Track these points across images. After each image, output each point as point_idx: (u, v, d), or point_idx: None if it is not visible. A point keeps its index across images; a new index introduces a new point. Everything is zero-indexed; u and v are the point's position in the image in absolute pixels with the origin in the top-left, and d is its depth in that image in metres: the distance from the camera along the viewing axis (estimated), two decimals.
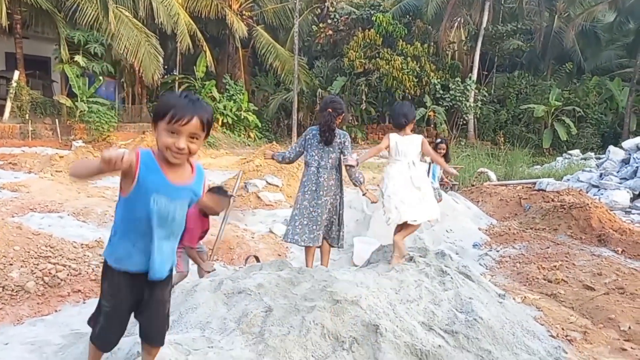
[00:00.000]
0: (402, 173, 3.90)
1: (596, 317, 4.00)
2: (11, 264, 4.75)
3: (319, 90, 25.43)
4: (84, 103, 18.02)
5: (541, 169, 16.21)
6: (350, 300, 2.93)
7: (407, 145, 3.99)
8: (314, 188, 4.08)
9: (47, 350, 3.75)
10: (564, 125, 22.14)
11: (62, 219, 7.56)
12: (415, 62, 23.18)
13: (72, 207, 8.20)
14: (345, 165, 4.19)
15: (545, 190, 8.22)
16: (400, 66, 22.77)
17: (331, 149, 4.16)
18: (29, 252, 4.98)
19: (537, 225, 6.92)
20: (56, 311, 4.60)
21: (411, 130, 4.13)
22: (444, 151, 6.92)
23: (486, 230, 7.01)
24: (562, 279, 4.98)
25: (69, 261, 5.20)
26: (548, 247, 5.92)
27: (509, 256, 5.86)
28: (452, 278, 3.37)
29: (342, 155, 4.20)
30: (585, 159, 17.55)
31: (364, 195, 4.33)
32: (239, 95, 23.92)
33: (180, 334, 2.60)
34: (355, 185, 4.27)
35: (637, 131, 22.26)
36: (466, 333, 2.82)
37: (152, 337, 2.11)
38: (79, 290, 4.92)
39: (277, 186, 9.66)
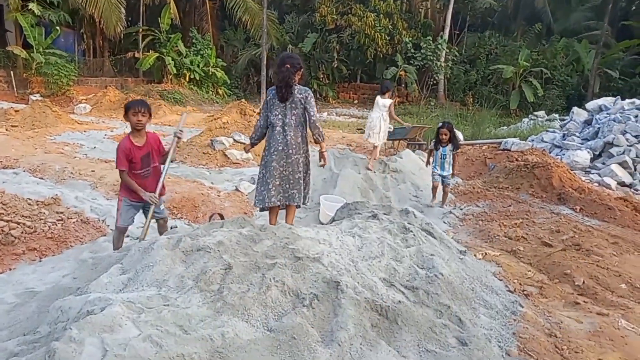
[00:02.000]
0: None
1: (552, 272, 4.12)
2: None
3: (290, 46, 24.79)
4: (40, 55, 17.03)
5: (507, 129, 16.45)
6: (311, 257, 2.90)
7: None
8: (280, 148, 3.97)
9: None
10: (531, 86, 22.40)
11: (17, 176, 7.23)
12: (387, 20, 22.77)
13: (29, 163, 7.85)
14: (310, 123, 4.08)
15: (510, 150, 8.33)
16: (373, 23, 22.34)
17: (294, 106, 4.03)
18: None
19: (501, 184, 7.03)
20: (10, 269, 4.43)
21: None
22: (447, 136, 6.15)
23: (452, 190, 7.08)
24: (522, 236, 5.10)
25: (24, 218, 4.99)
26: (510, 206, 6.04)
27: (472, 214, 5.96)
28: (414, 235, 3.37)
29: (306, 112, 4.08)
30: (550, 120, 17.90)
31: (321, 153, 4.24)
32: (206, 50, 23.08)
33: (135, 292, 2.52)
34: (317, 142, 4.17)
35: (600, 93, 22.74)
36: (426, 289, 2.84)
37: None
38: (34, 249, 4.74)
39: (244, 144, 9.46)
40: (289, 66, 3.98)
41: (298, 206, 4.23)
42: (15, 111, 12.01)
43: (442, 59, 22.46)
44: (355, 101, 25.78)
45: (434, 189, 6.42)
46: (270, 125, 4.10)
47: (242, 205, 6.66)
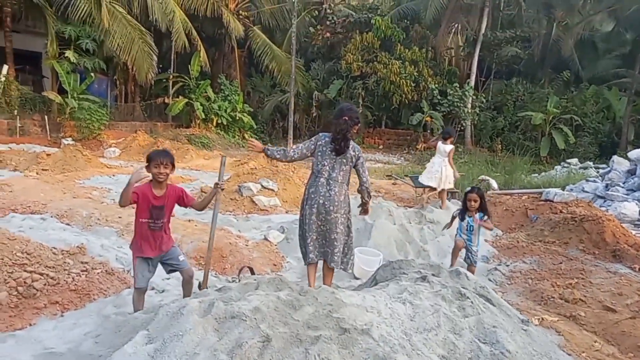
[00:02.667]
0: None
1: (623, 344, 3.66)
2: None
3: (315, 92, 25.11)
4: (74, 100, 17.52)
5: (540, 177, 15.94)
6: (360, 329, 2.56)
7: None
8: (322, 202, 3.64)
9: None
10: (561, 133, 21.95)
11: (45, 221, 7.12)
12: (413, 67, 22.92)
13: (56, 209, 7.76)
14: (363, 185, 3.89)
15: (552, 201, 7.89)
16: (398, 70, 22.49)
17: (344, 161, 3.76)
18: (2, 259, 4.55)
19: (547, 238, 6.58)
20: (30, 325, 4.18)
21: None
22: (477, 204, 5.07)
23: (493, 242, 6.67)
24: (579, 299, 4.64)
25: (47, 269, 4.77)
26: (561, 263, 5.58)
27: (520, 271, 5.51)
28: (472, 302, 3.00)
29: (357, 173, 3.86)
30: (584, 168, 17.32)
31: (365, 205, 3.97)
32: (234, 95, 23.51)
33: None
34: (364, 201, 3.89)
35: (635, 141, 22.16)
36: None
37: None
38: (57, 302, 4.49)
39: (272, 190, 9.27)
40: (347, 119, 3.75)
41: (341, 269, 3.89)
42: (47, 155, 12.17)
43: (469, 105, 22.31)
44: (381, 146, 25.67)
45: (457, 250, 5.25)
46: (313, 174, 3.83)
47: (271, 256, 6.36)
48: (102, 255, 5.71)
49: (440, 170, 8.00)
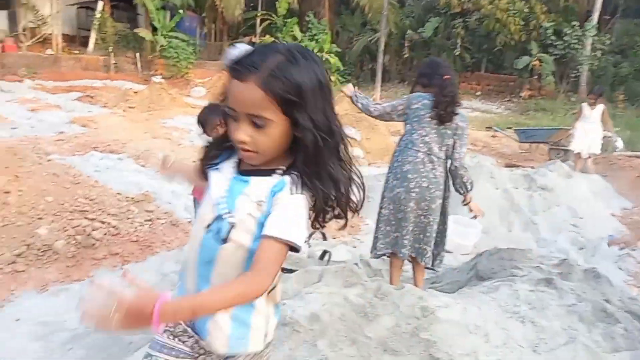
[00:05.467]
0: None
1: None
2: (40, 218, 4.09)
3: (409, 31, 23.21)
4: (164, 37, 17.54)
5: None
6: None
7: None
8: (425, 184, 2.63)
9: (55, 340, 3.04)
10: None
11: (121, 161, 7.00)
12: (523, 2, 20.14)
13: (135, 149, 7.62)
14: (455, 163, 2.83)
15: None
16: (506, 6, 19.88)
17: (449, 133, 2.75)
18: (62, 204, 4.31)
19: None
20: (88, 277, 3.92)
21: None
22: None
23: (621, 217, 5.42)
24: None
25: (109, 217, 4.50)
26: None
27: None
28: (625, 329, 2.08)
29: (454, 146, 2.81)
30: None
31: (466, 204, 2.94)
32: (322, 35, 22.41)
33: None
34: (460, 193, 2.87)
35: None
36: None
37: None
38: (117, 253, 4.21)
39: (354, 139, 8.47)
40: (448, 78, 2.77)
41: (428, 267, 2.97)
42: (134, 92, 12.27)
43: (589, 48, 19.35)
44: (479, 93, 23.46)
45: None
46: (406, 144, 2.83)
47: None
48: (170, 202, 5.40)
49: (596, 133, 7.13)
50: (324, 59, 22.27)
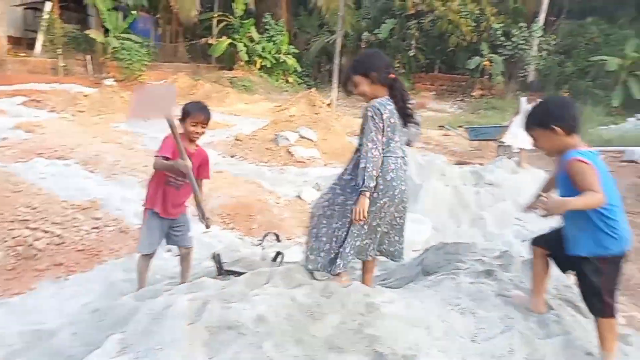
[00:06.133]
0: None
1: None
2: None
3: (365, 33, 23.51)
4: (116, 39, 17.05)
5: (611, 130, 14.27)
6: (401, 354, 1.83)
7: None
8: (403, 187, 2.52)
9: None
10: (639, 81, 19.58)
11: (69, 168, 6.75)
12: (474, 4, 20.80)
13: (83, 154, 7.37)
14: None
15: (638, 162, 6.70)
16: (458, 8, 20.48)
17: (405, 130, 2.71)
18: (1, 214, 4.12)
19: (630, 207, 5.51)
20: (30, 289, 3.76)
21: None
22: None
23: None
24: None
25: (53, 226, 4.32)
26: None
27: None
28: (557, 316, 2.19)
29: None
30: None
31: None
32: (279, 36, 22.39)
33: None
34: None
35: None
36: None
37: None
38: (61, 264, 4.04)
39: (311, 140, 8.52)
40: (396, 77, 2.68)
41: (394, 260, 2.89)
42: (84, 96, 11.87)
43: (535, 48, 20.19)
44: (433, 93, 24.05)
45: None
46: (385, 153, 2.55)
47: (304, 216, 5.66)
48: (120, 209, 5.24)
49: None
50: (281, 60, 22.25)
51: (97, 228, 4.59)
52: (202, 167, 3.21)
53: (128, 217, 5.01)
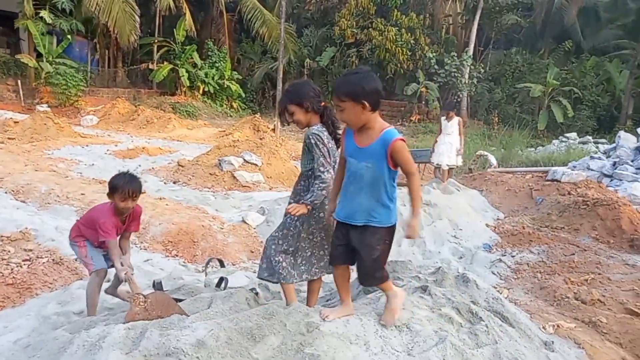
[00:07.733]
0: None
1: None
2: None
3: (307, 60, 24.04)
4: (50, 64, 16.42)
5: (538, 152, 15.32)
6: None
7: None
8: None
9: None
10: (560, 106, 21.20)
11: None
12: (409, 34, 21.88)
13: (13, 183, 7.00)
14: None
15: (559, 181, 7.25)
16: (394, 38, 21.46)
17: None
18: None
19: (555, 223, 5.96)
20: None
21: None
22: None
23: (494, 227, 6.03)
24: (598, 299, 4.02)
25: None
26: (573, 254, 4.96)
27: (527, 263, 4.89)
28: (487, 326, 2.34)
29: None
30: (583, 143, 16.70)
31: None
32: (222, 62, 22.41)
33: None
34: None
35: (634, 115, 21.53)
36: None
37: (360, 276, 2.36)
38: None
39: (255, 165, 8.55)
40: (326, 105, 2.77)
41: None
42: (15, 122, 11.29)
43: (467, 76, 21.44)
44: None
45: None
46: (333, 176, 2.58)
47: (249, 241, 5.68)
48: (54, 239, 5.01)
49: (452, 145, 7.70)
50: (225, 86, 22.23)
51: (28, 260, 4.37)
52: (133, 222, 3.21)
53: (63, 247, 4.79)
